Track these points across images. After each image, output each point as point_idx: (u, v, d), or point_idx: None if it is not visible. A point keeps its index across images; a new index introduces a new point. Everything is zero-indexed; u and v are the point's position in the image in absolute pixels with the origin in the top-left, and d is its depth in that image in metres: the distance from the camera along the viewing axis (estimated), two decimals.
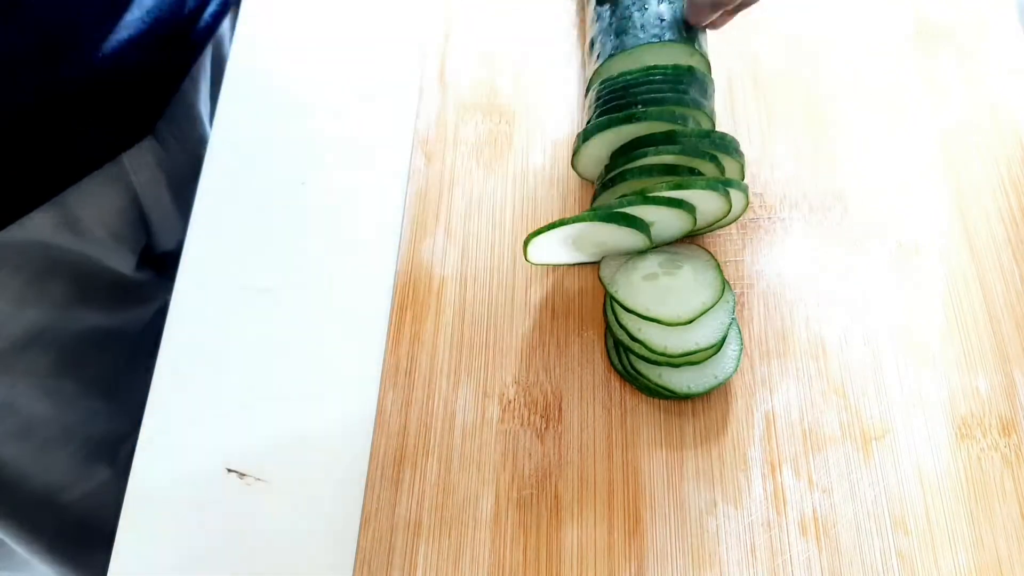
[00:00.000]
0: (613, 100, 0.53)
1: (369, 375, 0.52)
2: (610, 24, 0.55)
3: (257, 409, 0.52)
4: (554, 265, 0.54)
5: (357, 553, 0.47)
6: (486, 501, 0.48)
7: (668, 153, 0.50)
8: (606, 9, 0.56)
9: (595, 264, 0.54)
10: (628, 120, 0.51)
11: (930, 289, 0.53)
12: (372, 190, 0.59)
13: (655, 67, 0.52)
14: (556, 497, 0.48)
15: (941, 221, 0.56)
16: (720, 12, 0.53)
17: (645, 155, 0.50)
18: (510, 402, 0.51)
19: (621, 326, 0.50)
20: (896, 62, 0.62)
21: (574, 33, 0.64)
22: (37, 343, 0.63)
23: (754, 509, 0.47)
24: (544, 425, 0.50)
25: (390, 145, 0.60)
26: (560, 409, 0.50)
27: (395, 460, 0.49)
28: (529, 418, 0.50)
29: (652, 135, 0.51)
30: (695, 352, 0.48)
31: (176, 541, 0.48)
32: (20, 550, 0.74)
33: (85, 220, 0.61)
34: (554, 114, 0.61)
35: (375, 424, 0.50)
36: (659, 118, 0.51)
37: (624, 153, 0.52)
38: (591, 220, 0.49)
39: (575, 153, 0.54)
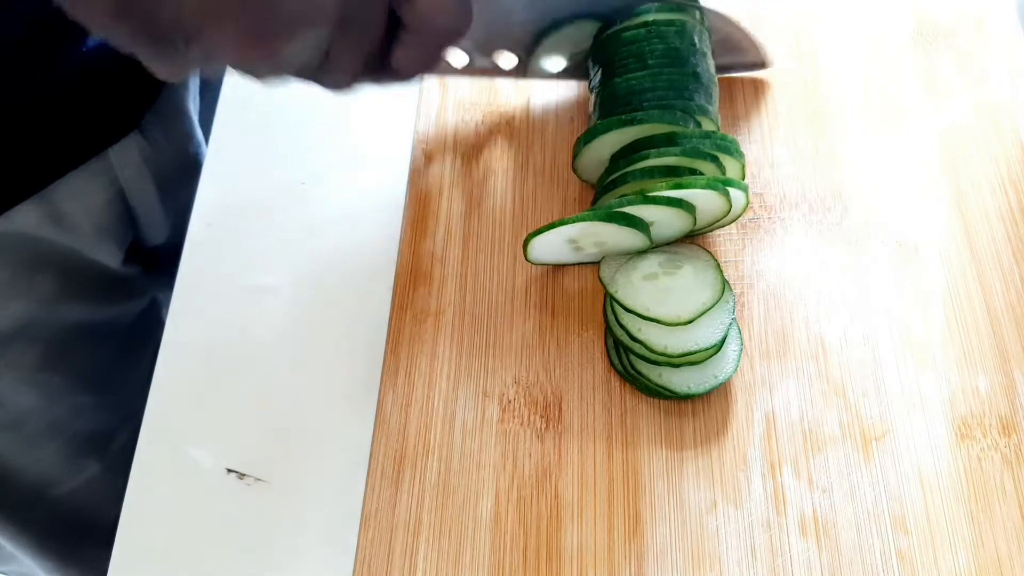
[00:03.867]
0: (616, 104, 0.53)
1: (369, 375, 0.52)
2: None
3: (257, 409, 0.52)
4: (554, 265, 0.54)
5: (357, 553, 0.47)
6: (486, 501, 0.48)
7: (669, 155, 0.50)
8: None
9: (595, 264, 0.54)
10: (630, 122, 0.51)
11: (930, 289, 0.53)
12: (372, 190, 0.59)
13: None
14: (556, 497, 0.48)
15: (941, 221, 0.56)
16: None
17: (646, 157, 0.50)
18: (510, 402, 0.51)
19: (621, 326, 0.50)
20: (896, 62, 0.62)
21: None
22: (23, 336, 0.63)
23: (754, 509, 0.47)
24: (544, 425, 0.50)
25: (390, 145, 0.60)
26: (560, 409, 0.50)
27: (395, 460, 0.49)
28: (529, 418, 0.50)
29: (653, 137, 0.51)
30: (695, 352, 0.48)
31: (176, 541, 0.48)
32: (6, 544, 0.74)
33: (70, 214, 0.61)
34: (554, 114, 0.61)
35: (375, 424, 0.50)
36: (660, 120, 0.51)
37: (625, 155, 0.52)
38: (591, 220, 0.49)
39: (576, 156, 0.54)
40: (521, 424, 0.50)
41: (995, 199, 0.57)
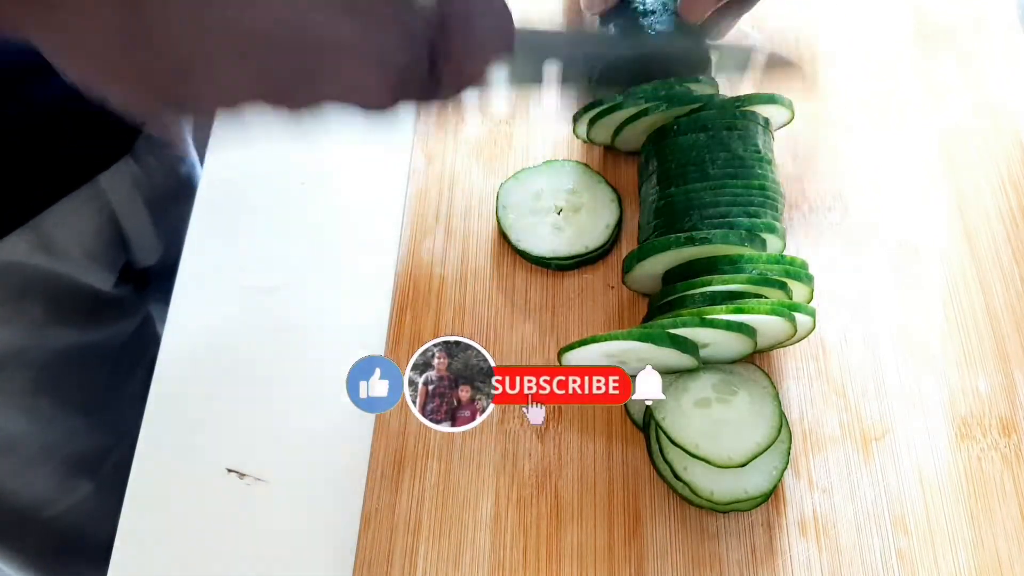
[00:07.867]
0: (675, 217, 0.50)
1: None
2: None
3: (257, 409, 0.52)
4: None
5: (357, 553, 0.47)
6: (486, 501, 0.48)
7: (734, 282, 0.47)
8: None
9: (593, 262, 0.54)
10: (690, 242, 0.48)
11: (930, 289, 0.53)
12: (372, 190, 0.59)
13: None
14: (556, 497, 0.48)
15: (941, 221, 0.56)
16: (719, 5, 0.52)
17: (708, 283, 0.47)
18: None
19: (665, 460, 0.46)
20: (896, 62, 0.62)
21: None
22: (13, 363, 0.63)
23: (754, 509, 0.47)
24: (544, 425, 0.50)
25: (390, 145, 0.60)
26: (560, 409, 0.50)
27: (395, 460, 0.49)
28: None
29: (716, 259, 0.48)
30: (743, 501, 0.45)
31: (176, 541, 0.48)
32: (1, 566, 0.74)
33: (61, 241, 0.60)
34: (554, 114, 0.61)
35: (375, 424, 0.50)
36: (724, 241, 0.47)
37: (682, 275, 0.48)
38: (633, 339, 0.45)
39: (627, 272, 0.50)
40: (521, 424, 0.50)
41: (995, 199, 0.57)
